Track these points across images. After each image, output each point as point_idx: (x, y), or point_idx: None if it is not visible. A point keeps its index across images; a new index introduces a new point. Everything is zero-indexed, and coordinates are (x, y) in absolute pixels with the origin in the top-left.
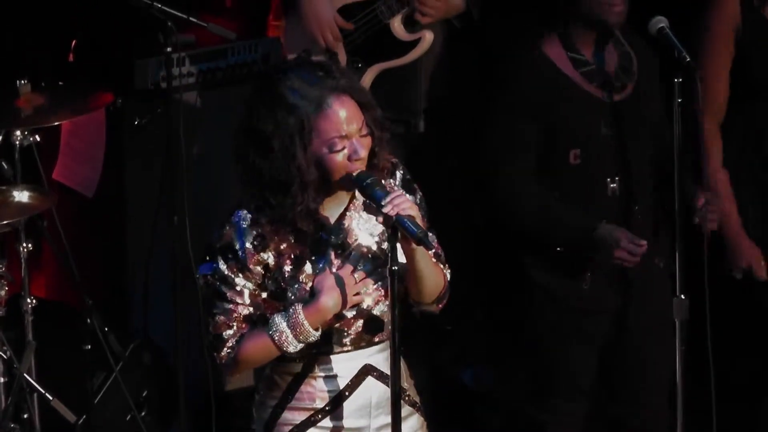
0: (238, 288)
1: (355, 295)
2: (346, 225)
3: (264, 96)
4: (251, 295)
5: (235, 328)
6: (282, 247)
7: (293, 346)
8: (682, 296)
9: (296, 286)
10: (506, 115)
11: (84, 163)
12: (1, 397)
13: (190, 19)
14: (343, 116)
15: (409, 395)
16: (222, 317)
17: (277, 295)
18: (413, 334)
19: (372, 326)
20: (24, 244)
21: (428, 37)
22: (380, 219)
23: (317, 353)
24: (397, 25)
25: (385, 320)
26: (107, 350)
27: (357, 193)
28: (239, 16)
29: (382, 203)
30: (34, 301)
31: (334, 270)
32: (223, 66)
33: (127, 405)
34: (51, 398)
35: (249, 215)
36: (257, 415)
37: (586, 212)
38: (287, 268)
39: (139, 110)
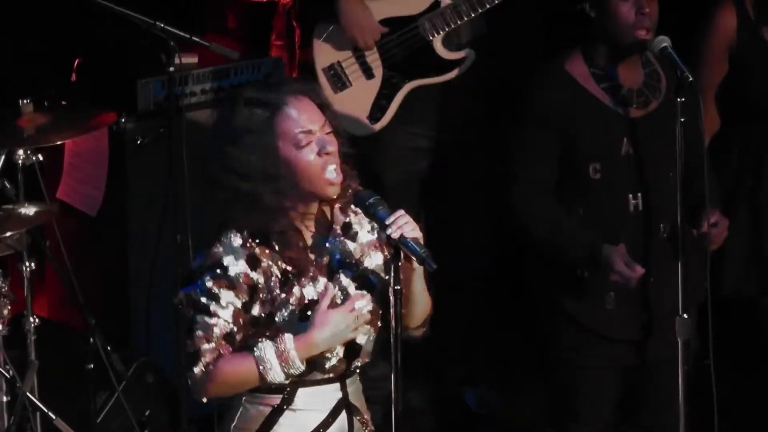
0: (222, 302)
1: (352, 331)
2: (334, 244)
3: (224, 116)
4: (235, 314)
5: (213, 344)
6: (271, 269)
7: (278, 377)
8: (685, 315)
9: (284, 311)
10: (526, 126)
11: (87, 183)
12: (4, 417)
13: (193, 38)
14: (303, 113)
15: (369, 421)
16: (201, 332)
17: (261, 321)
18: (417, 354)
19: (351, 352)
20: (27, 263)
21: (471, 56)
22: (381, 240)
23: (296, 383)
24: (438, 44)
25: (363, 345)
26: (110, 369)
27: (336, 210)
28: (242, 36)
29: (386, 223)
30: (36, 320)
31: (323, 290)
32: (226, 85)
33: (130, 424)
34: (54, 417)
35: (238, 235)
36: None
37: (608, 228)
38: (276, 291)
39: (141, 130)
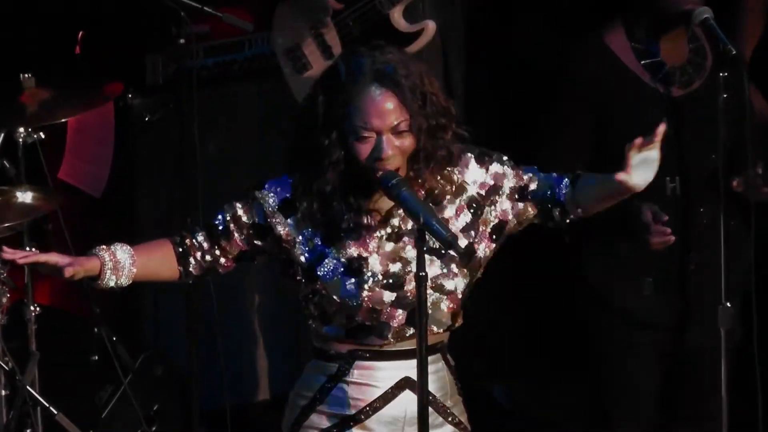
0: (239, 211)
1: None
2: (397, 224)
3: (340, 60)
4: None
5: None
6: (313, 223)
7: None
8: (728, 304)
9: (327, 262)
10: (558, 102)
11: (91, 162)
12: (3, 411)
13: (205, 9)
14: (374, 108)
15: (452, 413)
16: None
17: (304, 269)
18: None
19: (414, 318)
20: (27, 248)
21: (431, 27)
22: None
23: (360, 352)
24: (397, 16)
25: (431, 313)
26: (116, 361)
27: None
28: (256, 6)
29: (410, 205)
30: (38, 308)
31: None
32: (240, 59)
33: (137, 420)
34: (56, 412)
35: (298, 182)
36: (287, 413)
37: None
38: (316, 238)
39: (149, 106)
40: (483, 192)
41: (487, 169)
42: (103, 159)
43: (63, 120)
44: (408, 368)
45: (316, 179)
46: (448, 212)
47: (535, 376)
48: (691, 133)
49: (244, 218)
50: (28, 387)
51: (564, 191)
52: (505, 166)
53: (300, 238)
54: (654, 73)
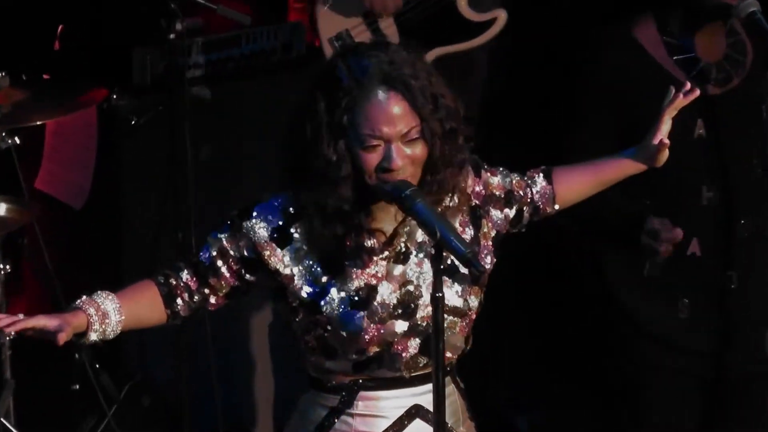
0: (225, 243)
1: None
2: (403, 244)
3: (313, 76)
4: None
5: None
6: (312, 252)
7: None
8: None
9: (332, 296)
10: (581, 99)
11: (72, 170)
12: None
13: (198, 0)
14: (381, 114)
15: None
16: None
17: (306, 303)
18: (461, 369)
19: (429, 347)
20: (0, 266)
21: (503, 16)
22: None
23: (364, 381)
24: (464, 3)
25: (447, 337)
26: (99, 391)
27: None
28: None
29: (426, 219)
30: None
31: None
32: (236, 55)
33: None
34: None
35: (290, 204)
36: None
37: (677, 223)
38: (317, 269)
39: (137, 108)
40: (479, 202)
41: (480, 177)
42: (84, 166)
43: (39, 123)
44: (416, 395)
45: (325, 197)
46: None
47: (561, 406)
48: (729, 135)
49: (232, 252)
50: (2, 419)
51: (538, 189)
52: (496, 175)
53: (298, 270)
54: (688, 70)
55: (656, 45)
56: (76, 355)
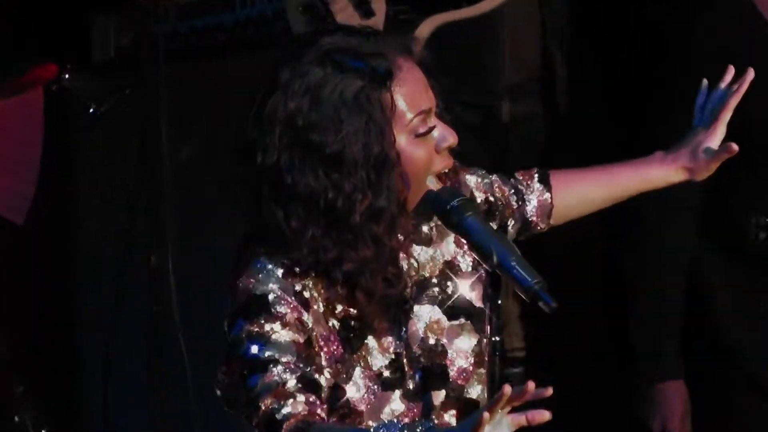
0: (278, 344)
1: None
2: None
3: (289, 84)
4: (298, 348)
5: (288, 399)
6: (326, 317)
7: None
8: None
9: (357, 379)
10: (672, 77)
11: (9, 173)
12: None
13: None
14: (417, 84)
15: None
16: (267, 398)
17: (331, 394)
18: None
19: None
20: None
21: None
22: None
23: None
24: None
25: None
26: None
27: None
28: None
29: (479, 240)
30: None
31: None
32: (228, 24)
33: None
34: None
35: (280, 267)
36: None
37: None
38: (335, 347)
39: (96, 92)
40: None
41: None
42: (26, 168)
43: None
44: None
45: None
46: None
47: None
48: None
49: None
50: None
51: (533, 199)
52: (472, 175)
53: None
54: None
55: None
56: (16, 417)
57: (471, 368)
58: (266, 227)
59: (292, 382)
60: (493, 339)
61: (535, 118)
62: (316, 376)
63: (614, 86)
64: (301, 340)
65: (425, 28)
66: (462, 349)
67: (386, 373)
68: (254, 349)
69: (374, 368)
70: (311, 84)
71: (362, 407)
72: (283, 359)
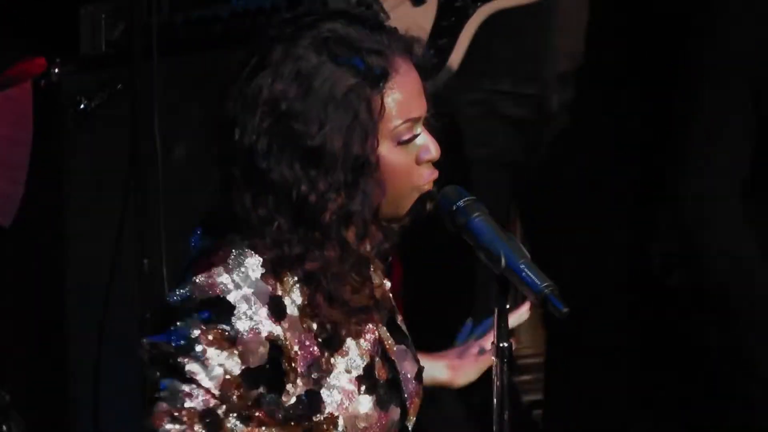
0: (208, 364)
1: None
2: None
3: (280, 65)
4: (224, 384)
5: (181, 425)
6: (303, 321)
7: None
8: None
9: (334, 382)
10: (707, 79)
11: None
12: None
13: None
14: (414, 88)
15: None
16: (165, 404)
17: (302, 405)
18: None
19: None
20: None
21: None
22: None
23: None
24: None
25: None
26: None
27: None
28: None
29: (486, 242)
30: None
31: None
32: (224, 15)
33: None
34: None
35: (257, 258)
36: None
37: None
38: (314, 350)
39: (86, 86)
40: None
41: None
42: (13, 167)
43: None
44: None
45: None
46: None
47: None
48: None
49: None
50: None
51: None
52: None
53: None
54: None
55: None
56: (3, 427)
57: (415, 396)
58: (232, 209)
59: (191, 405)
60: (501, 345)
61: (581, 107)
62: (223, 406)
63: (649, 78)
64: (237, 372)
65: (478, 16)
66: (409, 372)
67: (362, 378)
68: (190, 353)
69: (351, 371)
70: (303, 70)
71: (337, 412)
72: (205, 385)
